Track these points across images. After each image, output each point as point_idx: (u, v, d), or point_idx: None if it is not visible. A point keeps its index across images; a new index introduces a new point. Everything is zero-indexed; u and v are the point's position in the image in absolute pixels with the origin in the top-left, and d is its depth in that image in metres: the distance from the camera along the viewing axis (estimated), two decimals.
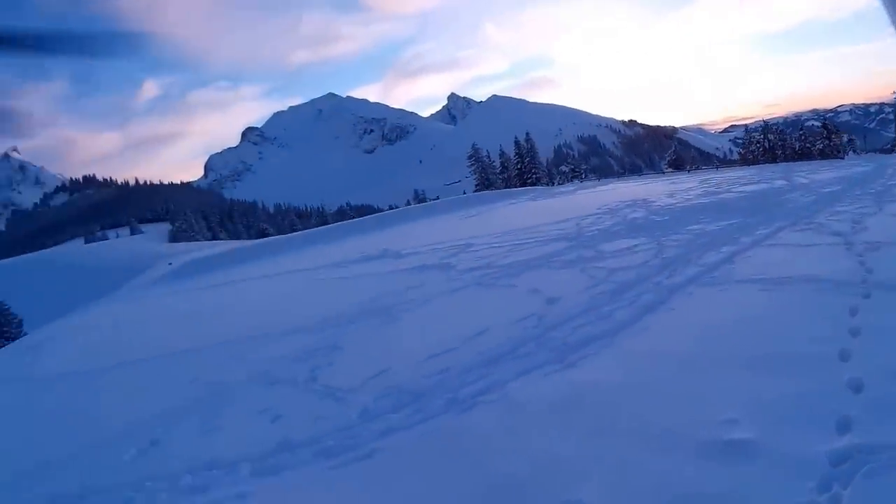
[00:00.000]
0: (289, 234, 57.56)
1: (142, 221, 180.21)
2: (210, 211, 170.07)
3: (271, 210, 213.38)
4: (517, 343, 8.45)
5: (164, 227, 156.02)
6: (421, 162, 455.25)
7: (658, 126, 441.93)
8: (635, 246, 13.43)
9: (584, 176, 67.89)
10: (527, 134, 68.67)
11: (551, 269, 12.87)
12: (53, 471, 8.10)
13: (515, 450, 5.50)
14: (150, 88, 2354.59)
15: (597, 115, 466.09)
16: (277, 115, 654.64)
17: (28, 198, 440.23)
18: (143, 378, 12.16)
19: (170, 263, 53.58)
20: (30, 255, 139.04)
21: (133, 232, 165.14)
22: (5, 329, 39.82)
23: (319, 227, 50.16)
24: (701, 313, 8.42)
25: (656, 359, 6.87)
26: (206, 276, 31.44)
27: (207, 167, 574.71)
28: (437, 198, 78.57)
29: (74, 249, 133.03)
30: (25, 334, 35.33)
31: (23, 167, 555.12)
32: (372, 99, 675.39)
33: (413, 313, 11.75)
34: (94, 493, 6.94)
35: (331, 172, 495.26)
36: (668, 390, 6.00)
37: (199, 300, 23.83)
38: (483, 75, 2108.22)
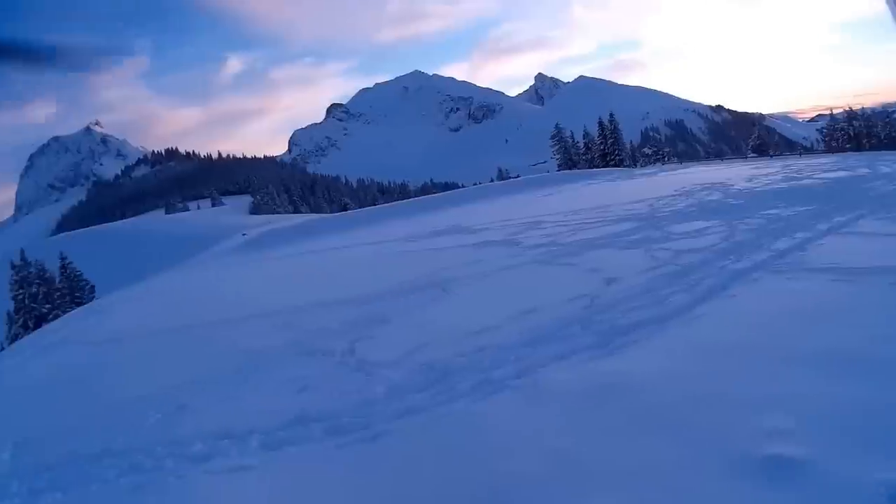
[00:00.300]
0: (366, 208, 58.04)
1: (224, 194, 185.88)
2: (292, 184, 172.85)
3: (354, 185, 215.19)
4: (563, 324, 8.00)
5: (246, 200, 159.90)
6: (507, 141, 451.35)
7: (745, 113, 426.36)
8: (706, 228, 12.86)
9: (666, 159, 66.70)
10: (610, 115, 67.10)
11: (615, 249, 12.41)
12: (82, 431, 8.19)
13: (527, 446, 5.00)
14: (234, 64, 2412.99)
15: (684, 100, 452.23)
16: (363, 92, 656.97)
17: (110, 170, 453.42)
18: (189, 343, 12.41)
19: (244, 234, 54.80)
20: (109, 224, 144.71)
21: (214, 204, 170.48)
22: (77, 294, 41.33)
23: (398, 202, 50.29)
24: (763, 302, 7.69)
25: (706, 350, 6.24)
26: (278, 247, 32.03)
27: (292, 142, 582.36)
28: (518, 176, 78.12)
29: (155, 220, 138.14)
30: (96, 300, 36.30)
31: (105, 140, 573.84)
32: (459, 77, 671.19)
33: (466, 288, 11.58)
34: (108, 455, 6.97)
35: (416, 150, 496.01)
36: (712, 388, 5.36)
37: (263, 270, 24.32)
38: (570, 56, 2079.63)
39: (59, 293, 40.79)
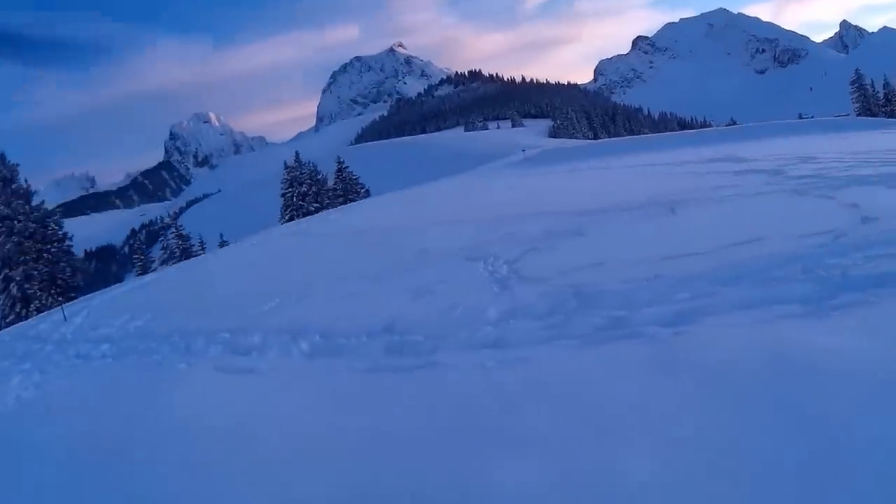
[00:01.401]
0: (650, 135, 56.58)
1: (524, 116, 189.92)
2: (593, 112, 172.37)
3: (655, 118, 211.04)
4: (783, 261, 5.83)
5: (546, 124, 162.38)
6: (811, 89, 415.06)
7: None
8: None
9: None
10: None
11: (888, 187, 9.78)
12: (204, 310, 8.77)
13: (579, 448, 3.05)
14: None
15: None
16: (668, 27, 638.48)
17: (412, 88, 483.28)
18: (382, 242, 12.76)
19: (523, 150, 55.78)
20: (407, 138, 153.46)
21: (514, 125, 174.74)
22: (350, 196, 43.37)
23: (684, 131, 48.42)
24: None
25: None
26: (549, 164, 31.90)
27: (597, 72, 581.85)
28: (812, 117, 72.82)
29: (453, 136, 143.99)
30: None
31: (408, 61, 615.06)
32: (763, 18, 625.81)
33: (696, 211, 9.91)
34: (184, 334, 7.37)
35: (720, 88, 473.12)
36: None
37: (516, 182, 24.46)
38: (874, 4, 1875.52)
39: (330, 194, 43.01)
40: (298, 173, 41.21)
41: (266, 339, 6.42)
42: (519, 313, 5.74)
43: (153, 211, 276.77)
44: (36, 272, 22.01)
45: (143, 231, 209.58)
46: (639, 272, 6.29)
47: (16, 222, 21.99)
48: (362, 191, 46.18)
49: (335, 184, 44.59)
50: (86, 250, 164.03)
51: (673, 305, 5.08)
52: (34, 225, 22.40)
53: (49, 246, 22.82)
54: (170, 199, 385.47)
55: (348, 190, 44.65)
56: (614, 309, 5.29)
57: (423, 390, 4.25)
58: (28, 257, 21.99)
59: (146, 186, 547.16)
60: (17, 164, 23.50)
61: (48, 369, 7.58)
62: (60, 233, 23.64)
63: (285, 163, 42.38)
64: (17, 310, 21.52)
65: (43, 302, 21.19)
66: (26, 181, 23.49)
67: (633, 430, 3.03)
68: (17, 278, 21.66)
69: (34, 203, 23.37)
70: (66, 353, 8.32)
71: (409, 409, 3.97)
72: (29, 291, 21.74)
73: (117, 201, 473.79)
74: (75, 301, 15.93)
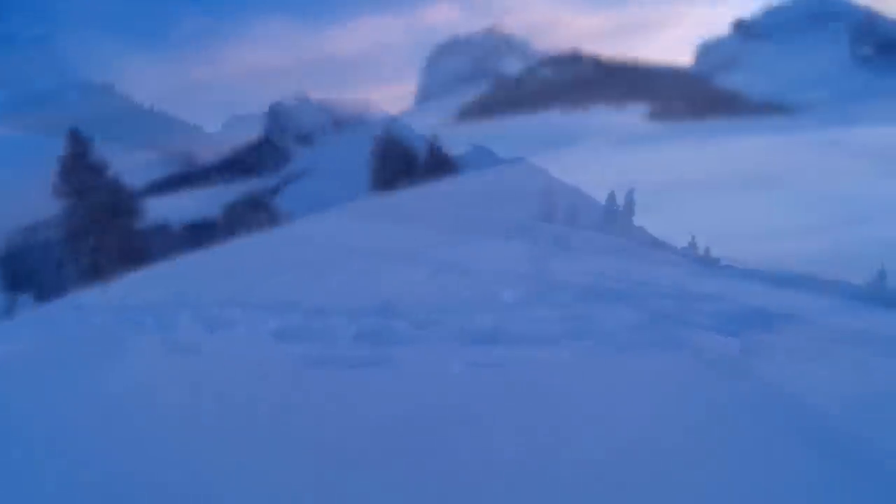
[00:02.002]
0: (747, 117, 56.69)
1: (624, 98, 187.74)
2: (694, 94, 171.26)
3: (755, 102, 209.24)
4: None
5: (645, 106, 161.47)
6: None
7: None
8: None
9: None
10: None
11: None
12: (220, 286, 8.61)
13: None
14: None
15: None
16: (768, 11, 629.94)
17: (511, 68, 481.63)
18: (434, 218, 12.58)
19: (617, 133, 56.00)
20: (507, 117, 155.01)
21: (614, 106, 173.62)
22: (440, 174, 43.03)
23: (782, 114, 48.29)
24: None
25: None
26: (644, 143, 31.97)
27: (697, 54, 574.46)
28: None
29: (553, 116, 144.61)
30: None
31: (507, 41, 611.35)
32: (863, 3, 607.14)
33: (787, 190, 9.07)
34: (172, 307, 7.18)
35: (820, 75, 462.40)
36: None
37: (608, 159, 24.46)
38: None
39: (421, 171, 42.48)
40: (388, 149, 41.19)
41: (244, 315, 5.98)
42: (541, 298, 4.87)
43: (252, 186, 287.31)
44: (107, 243, 22.27)
45: (241, 206, 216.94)
46: (714, 251, 5.30)
47: (88, 194, 22.29)
48: (453, 168, 46.16)
49: (426, 161, 44.62)
50: (183, 224, 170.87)
51: (745, 300, 3.96)
52: (106, 197, 22.69)
53: (121, 218, 23.10)
54: (269, 176, 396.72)
55: (440, 167, 44.62)
56: (664, 298, 4.23)
57: (350, 403, 3.14)
58: (99, 228, 22.28)
59: (245, 163, 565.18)
60: (90, 139, 23.83)
61: (41, 337, 7.14)
62: (133, 205, 23.96)
63: (375, 137, 42.28)
64: (88, 279, 21.76)
65: (113, 272, 21.36)
66: (99, 155, 23.85)
67: None
68: (88, 249, 21.95)
69: (108, 177, 23.74)
70: (77, 321, 8.10)
71: (305, 446, 2.71)
72: (100, 262, 21.99)
73: (216, 177, 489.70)
74: (134, 272, 16.19)
